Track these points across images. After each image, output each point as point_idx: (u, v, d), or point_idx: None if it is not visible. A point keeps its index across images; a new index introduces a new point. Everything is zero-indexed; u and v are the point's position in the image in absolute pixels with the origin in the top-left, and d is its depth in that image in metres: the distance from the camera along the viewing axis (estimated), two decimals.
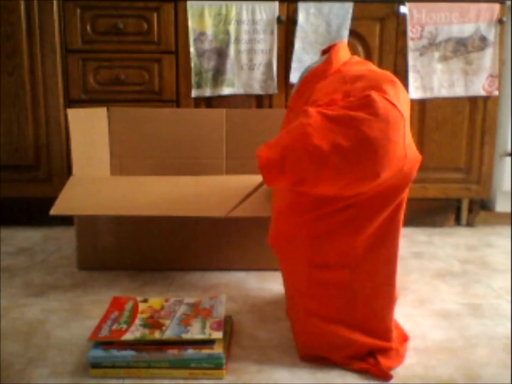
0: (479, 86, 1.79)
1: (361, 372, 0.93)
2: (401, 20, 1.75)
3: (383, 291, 0.95)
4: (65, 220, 1.80)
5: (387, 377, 0.91)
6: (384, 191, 0.90)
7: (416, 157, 0.90)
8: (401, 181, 0.90)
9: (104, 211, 1.29)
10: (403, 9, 1.73)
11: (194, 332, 0.94)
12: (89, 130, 1.47)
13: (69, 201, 1.32)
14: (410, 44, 1.76)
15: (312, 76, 1.04)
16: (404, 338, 1.03)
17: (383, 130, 0.83)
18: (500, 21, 1.75)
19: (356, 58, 1.08)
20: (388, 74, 0.94)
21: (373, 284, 0.94)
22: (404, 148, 0.85)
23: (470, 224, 1.95)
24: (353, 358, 0.95)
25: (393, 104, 0.85)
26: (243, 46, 1.74)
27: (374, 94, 0.85)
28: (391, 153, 0.84)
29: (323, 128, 0.85)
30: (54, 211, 1.26)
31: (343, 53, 1.05)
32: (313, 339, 0.96)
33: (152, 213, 1.28)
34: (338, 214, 0.91)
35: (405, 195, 0.93)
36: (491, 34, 1.76)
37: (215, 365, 0.90)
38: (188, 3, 1.70)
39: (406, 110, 0.89)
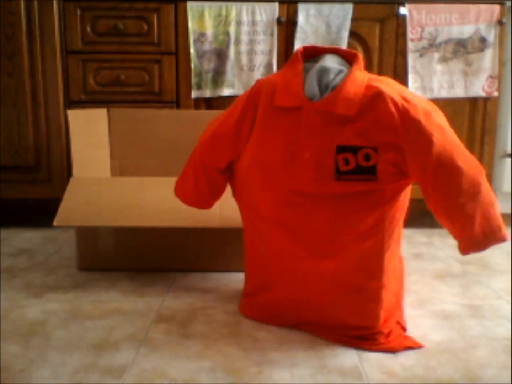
0: (479, 87, 1.79)
1: (360, 371, 0.93)
2: (401, 21, 1.75)
3: (372, 279, 1.01)
4: None
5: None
6: None
7: None
8: None
9: (106, 222, 1.31)
10: (403, 10, 1.73)
11: None
12: (89, 131, 1.47)
13: (71, 210, 1.33)
14: (410, 45, 1.76)
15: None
16: (401, 335, 1.06)
17: None
18: (499, 22, 1.75)
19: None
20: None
21: (360, 272, 1.00)
22: None
23: None
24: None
25: None
26: (243, 47, 1.74)
27: None
28: None
29: None
30: (57, 222, 1.29)
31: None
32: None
33: (153, 225, 1.30)
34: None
35: (405, 195, 0.96)
36: (491, 35, 1.76)
37: None
38: (188, 4, 1.70)
39: None
